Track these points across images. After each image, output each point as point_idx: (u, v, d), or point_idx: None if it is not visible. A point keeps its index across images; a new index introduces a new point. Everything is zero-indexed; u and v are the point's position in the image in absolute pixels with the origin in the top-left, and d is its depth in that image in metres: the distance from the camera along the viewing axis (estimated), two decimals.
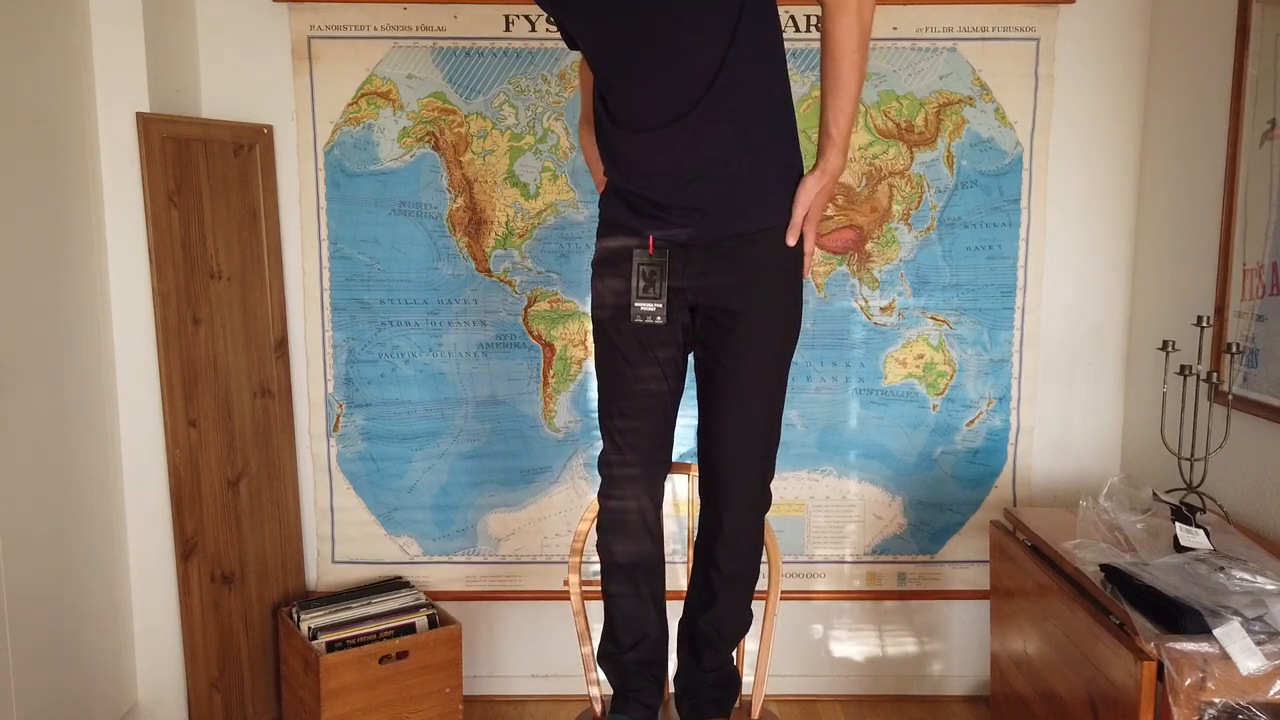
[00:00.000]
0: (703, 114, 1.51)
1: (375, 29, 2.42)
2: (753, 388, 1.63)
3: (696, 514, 1.79)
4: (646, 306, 1.60)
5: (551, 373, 2.54)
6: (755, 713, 1.79)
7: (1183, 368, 2.05)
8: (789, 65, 1.66)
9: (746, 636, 1.83)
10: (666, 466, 1.76)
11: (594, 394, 2.56)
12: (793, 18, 2.40)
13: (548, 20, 2.41)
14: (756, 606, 1.80)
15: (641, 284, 1.60)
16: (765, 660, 1.80)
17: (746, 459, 1.66)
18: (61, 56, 2.08)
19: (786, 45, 1.64)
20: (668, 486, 1.80)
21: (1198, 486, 2.07)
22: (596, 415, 1.78)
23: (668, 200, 1.58)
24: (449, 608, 2.50)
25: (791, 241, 1.60)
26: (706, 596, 1.74)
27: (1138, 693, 1.52)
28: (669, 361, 1.67)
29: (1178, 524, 1.81)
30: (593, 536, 1.80)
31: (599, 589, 1.80)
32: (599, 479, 1.76)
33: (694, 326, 1.66)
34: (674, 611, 1.82)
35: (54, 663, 2.05)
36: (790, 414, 2.54)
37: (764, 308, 1.61)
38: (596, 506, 1.78)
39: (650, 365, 1.66)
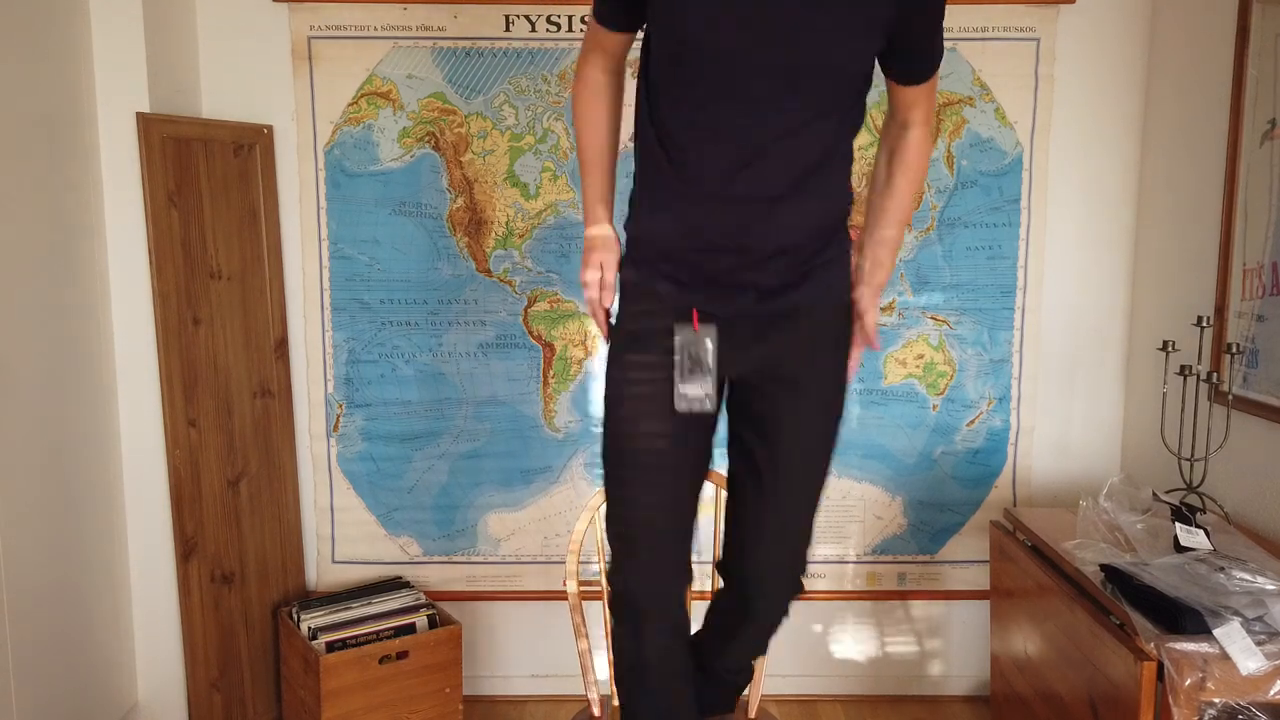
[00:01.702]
0: (808, 189, 1.37)
1: (375, 29, 2.42)
2: (806, 466, 1.48)
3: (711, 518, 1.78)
4: (693, 391, 1.39)
5: (551, 373, 2.54)
6: (752, 712, 1.79)
7: (1183, 368, 2.05)
8: None
9: None
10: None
11: (595, 394, 2.56)
12: None
13: (549, 20, 2.41)
14: None
15: (688, 364, 1.39)
16: (763, 660, 1.80)
17: (793, 554, 1.51)
18: (62, 57, 2.08)
19: None
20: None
21: (1198, 486, 2.07)
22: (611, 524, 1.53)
23: (729, 277, 1.40)
24: (449, 608, 2.50)
25: (855, 359, 1.52)
26: (726, 645, 1.66)
27: (1138, 692, 1.52)
28: (705, 447, 1.51)
29: (1178, 524, 1.81)
30: (591, 536, 1.79)
31: (597, 589, 1.79)
32: (599, 483, 1.73)
33: (734, 401, 1.52)
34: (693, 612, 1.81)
35: (54, 663, 2.05)
36: None
37: (821, 373, 1.48)
38: (596, 505, 1.78)
39: (689, 451, 1.47)
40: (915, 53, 1.41)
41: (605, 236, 1.50)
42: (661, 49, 1.38)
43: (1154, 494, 1.96)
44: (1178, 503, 1.91)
